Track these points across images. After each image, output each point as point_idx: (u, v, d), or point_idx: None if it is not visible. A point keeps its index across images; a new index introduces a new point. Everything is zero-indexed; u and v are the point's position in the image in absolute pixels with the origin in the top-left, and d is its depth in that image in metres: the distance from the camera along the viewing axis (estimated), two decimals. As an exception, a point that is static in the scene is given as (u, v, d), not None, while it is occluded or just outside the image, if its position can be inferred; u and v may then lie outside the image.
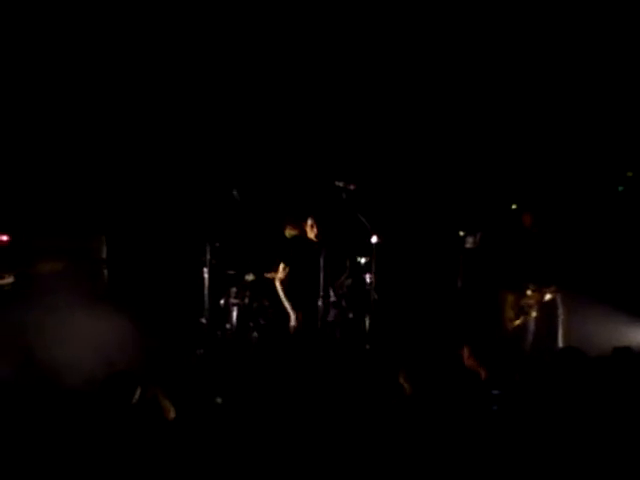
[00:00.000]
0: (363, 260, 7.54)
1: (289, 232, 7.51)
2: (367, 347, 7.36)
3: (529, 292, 6.93)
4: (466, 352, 5.06)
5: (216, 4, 7.80)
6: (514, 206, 7.63)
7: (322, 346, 7.24)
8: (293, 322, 7.17)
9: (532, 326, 7.00)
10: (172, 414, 4.24)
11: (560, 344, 6.81)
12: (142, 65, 8.00)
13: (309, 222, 7.32)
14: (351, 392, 5.74)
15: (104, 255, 7.86)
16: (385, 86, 8.26)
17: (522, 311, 6.95)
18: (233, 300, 7.39)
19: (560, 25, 7.70)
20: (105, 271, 7.88)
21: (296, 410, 5.30)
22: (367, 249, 7.49)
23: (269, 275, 7.42)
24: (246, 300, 7.42)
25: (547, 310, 6.96)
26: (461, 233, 7.65)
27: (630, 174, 7.81)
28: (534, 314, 6.95)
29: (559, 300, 6.96)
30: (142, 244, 8.16)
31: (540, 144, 8.18)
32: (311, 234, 7.32)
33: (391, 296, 7.91)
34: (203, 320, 7.36)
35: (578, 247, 7.27)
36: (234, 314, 7.38)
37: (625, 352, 4.86)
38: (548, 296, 6.90)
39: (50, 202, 7.85)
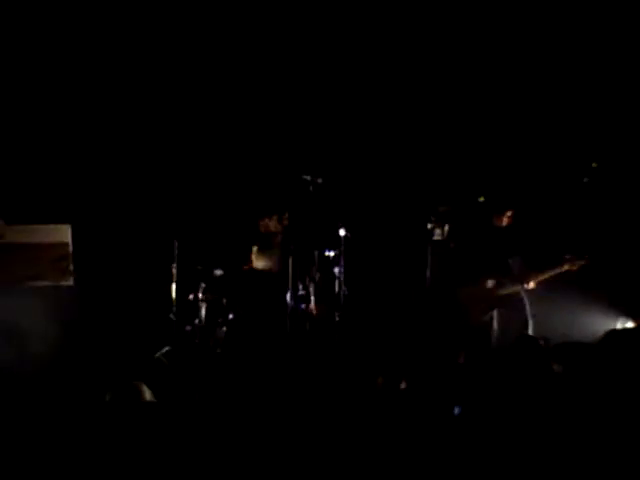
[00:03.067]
0: (332, 253, 7.55)
1: (265, 227, 7.54)
2: (336, 340, 7.41)
3: (503, 284, 7.01)
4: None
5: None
6: (481, 198, 7.68)
7: (292, 340, 7.26)
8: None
9: (497, 319, 7.07)
10: (148, 396, 4.19)
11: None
12: (118, 60, 7.94)
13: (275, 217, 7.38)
14: (322, 385, 5.76)
15: (70, 249, 7.77)
16: (350, 79, 8.25)
17: (494, 304, 7.02)
18: (202, 295, 7.35)
19: (531, 23, 7.77)
20: (71, 266, 7.78)
21: (266, 404, 5.31)
22: (335, 242, 7.51)
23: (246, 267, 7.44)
24: (215, 295, 7.39)
25: (513, 303, 7.04)
26: (429, 225, 7.68)
27: (595, 165, 7.88)
28: (501, 307, 7.04)
29: (524, 293, 7.04)
30: (110, 239, 8.07)
31: (505, 136, 8.23)
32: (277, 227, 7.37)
33: (360, 288, 7.94)
34: (172, 316, 7.34)
35: (545, 239, 7.36)
36: (203, 310, 7.35)
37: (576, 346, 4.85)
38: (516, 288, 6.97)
39: (16, 191, 7.73)
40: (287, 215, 7.43)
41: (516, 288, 7.00)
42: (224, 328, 7.29)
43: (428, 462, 3.81)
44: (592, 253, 6.92)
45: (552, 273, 6.94)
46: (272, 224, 7.47)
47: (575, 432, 3.89)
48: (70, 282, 7.60)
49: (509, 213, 7.18)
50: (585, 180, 7.76)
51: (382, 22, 8.02)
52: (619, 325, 6.93)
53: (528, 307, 7.03)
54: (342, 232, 7.46)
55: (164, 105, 8.20)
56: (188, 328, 7.36)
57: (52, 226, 7.61)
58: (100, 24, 7.81)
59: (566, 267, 6.88)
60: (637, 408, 4.02)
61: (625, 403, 4.05)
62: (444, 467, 3.79)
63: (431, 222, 7.69)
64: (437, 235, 7.70)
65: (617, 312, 7.14)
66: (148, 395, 4.20)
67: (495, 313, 7.08)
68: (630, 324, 6.98)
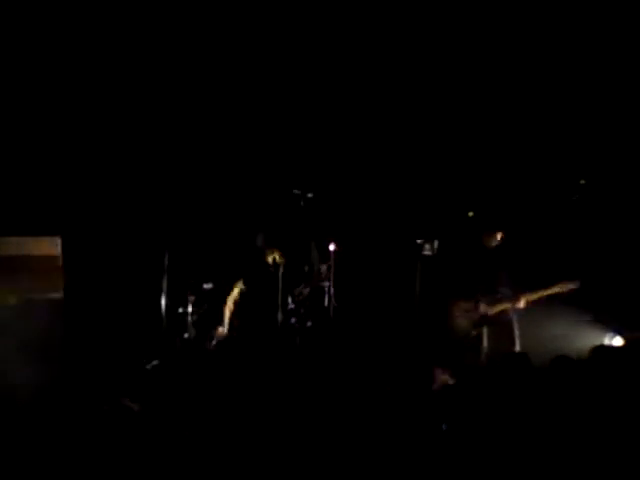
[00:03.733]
0: (322, 267, 7.58)
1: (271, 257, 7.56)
2: (327, 352, 7.42)
3: (491, 302, 7.03)
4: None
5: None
6: (471, 213, 7.72)
7: (282, 353, 7.27)
8: (222, 331, 7.22)
9: (486, 337, 7.09)
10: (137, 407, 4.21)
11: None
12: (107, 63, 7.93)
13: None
14: (311, 398, 5.77)
15: (60, 262, 7.76)
16: (339, 93, 8.29)
17: (482, 321, 7.04)
18: (191, 309, 7.36)
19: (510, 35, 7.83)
20: (61, 278, 7.77)
21: (255, 416, 5.32)
22: (325, 256, 7.55)
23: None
24: (205, 308, 7.40)
25: (501, 321, 7.06)
26: (418, 241, 7.71)
27: (583, 182, 7.94)
28: (489, 325, 7.05)
29: (512, 312, 7.06)
30: (101, 251, 8.06)
31: (494, 153, 8.28)
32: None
33: (350, 303, 7.96)
34: (161, 328, 7.34)
35: (534, 256, 7.39)
36: (192, 323, 7.35)
37: (563, 361, 4.89)
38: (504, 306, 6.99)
39: (6, 203, 7.71)
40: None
41: (506, 306, 7.02)
42: (214, 341, 7.30)
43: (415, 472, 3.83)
44: (582, 275, 6.96)
45: (543, 294, 6.98)
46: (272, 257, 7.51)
47: (564, 445, 3.92)
48: (60, 294, 7.59)
49: (499, 235, 7.21)
50: (574, 198, 7.82)
51: (368, 43, 8.08)
52: (606, 341, 6.97)
53: (516, 324, 7.05)
54: (332, 246, 7.50)
55: (155, 118, 8.21)
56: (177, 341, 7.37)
57: (42, 238, 7.60)
58: (87, 25, 7.77)
59: (557, 289, 6.92)
60: (624, 421, 4.06)
61: (613, 417, 4.09)
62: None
63: (421, 238, 7.72)
64: (427, 250, 7.73)
65: (604, 328, 7.18)
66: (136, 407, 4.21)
67: (485, 330, 7.10)
68: (618, 340, 7.03)
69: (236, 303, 7.31)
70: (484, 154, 8.30)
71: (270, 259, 7.39)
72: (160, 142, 8.25)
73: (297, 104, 8.34)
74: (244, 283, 7.33)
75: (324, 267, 7.65)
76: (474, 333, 7.08)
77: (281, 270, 7.27)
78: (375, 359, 6.99)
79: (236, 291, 7.34)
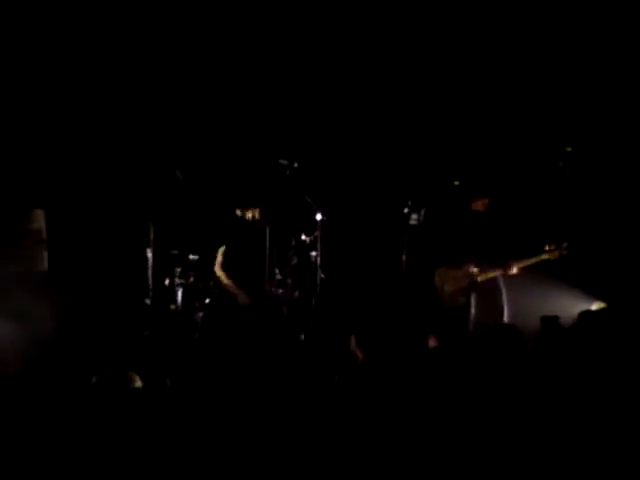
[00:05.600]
0: (308, 238, 7.55)
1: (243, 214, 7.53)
2: (313, 325, 7.42)
3: (479, 269, 7.02)
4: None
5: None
6: (456, 182, 7.71)
7: (269, 324, 7.26)
8: (243, 300, 7.19)
9: (474, 304, 7.10)
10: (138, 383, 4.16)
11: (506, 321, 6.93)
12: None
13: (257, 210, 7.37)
14: (298, 370, 5.77)
15: (44, 234, 7.69)
16: (325, 65, 8.23)
17: (468, 288, 7.04)
18: (178, 280, 7.31)
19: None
20: (45, 251, 7.71)
21: (244, 389, 5.30)
22: (312, 227, 7.51)
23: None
24: (191, 280, 7.35)
25: (489, 288, 7.06)
26: (405, 210, 7.69)
27: (569, 149, 7.93)
28: (476, 292, 7.06)
29: (500, 278, 7.07)
30: (85, 224, 7.99)
31: (479, 120, 8.25)
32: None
33: (337, 273, 7.95)
34: (147, 301, 7.30)
35: (523, 223, 7.39)
36: (179, 294, 7.31)
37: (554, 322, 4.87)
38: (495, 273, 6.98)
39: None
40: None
41: (494, 273, 7.02)
42: (201, 313, 7.27)
43: (400, 445, 3.82)
44: (570, 242, 6.97)
45: (532, 261, 6.99)
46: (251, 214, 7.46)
47: (555, 418, 3.92)
48: (44, 268, 7.54)
49: (486, 200, 7.20)
50: (560, 164, 7.81)
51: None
52: (594, 308, 6.99)
53: (505, 293, 7.06)
54: (319, 217, 7.46)
55: (139, 89, 8.12)
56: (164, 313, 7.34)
57: (26, 212, 7.54)
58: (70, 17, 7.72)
59: (545, 256, 6.94)
60: (614, 388, 4.06)
61: (602, 385, 4.09)
62: (416, 453, 3.80)
63: (408, 207, 7.70)
64: (413, 220, 7.70)
65: (592, 297, 7.20)
66: (138, 383, 4.17)
67: (473, 298, 7.10)
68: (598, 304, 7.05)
69: (223, 267, 7.29)
70: (471, 122, 8.26)
71: (249, 215, 7.38)
72: (143, 115, 8.16)
73: (283, 75, 8.28)
74: (226, 245, 7.32)
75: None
76: (462, 300, 7.09)
77: (267, 233, 7.25)
78: (361, 328, 6.97)
79: (220, 257, 7.32)
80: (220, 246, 7.40)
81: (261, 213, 7.39)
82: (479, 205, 7.24)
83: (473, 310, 7.07)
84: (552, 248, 6.86)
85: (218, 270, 7.34)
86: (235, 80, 8.24)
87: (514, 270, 6.95)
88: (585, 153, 7.76)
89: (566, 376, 4.23)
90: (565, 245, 6.85)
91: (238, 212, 7.41)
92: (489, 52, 8.09)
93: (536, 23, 7.87)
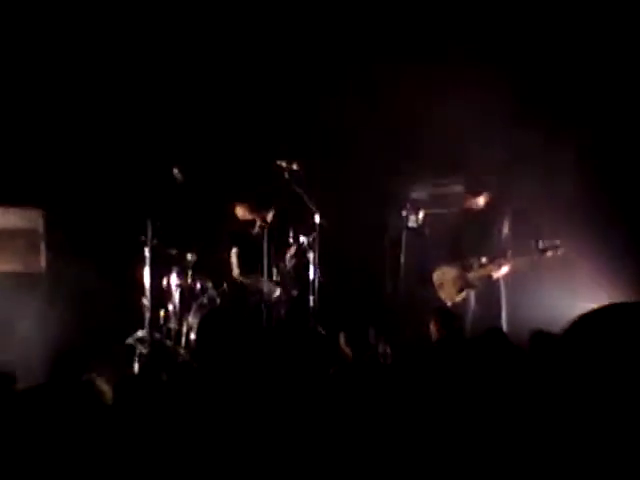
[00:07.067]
0: (307, 239, 7.54)
1: (242, 214, 7.52)
2: (311, 325, 7.41)
3: (476, 266, 6.99)
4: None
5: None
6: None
7: (267, 325, 7.25)
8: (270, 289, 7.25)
9: (473, 303, 7.07)
10: (109, 397, 4.15)
11: (504, 322, 6.90)
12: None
13: (270, 213, 7.36)
14: (295, 368, 5.75)
15: (42, 235, 7.68)
16: (324, 65, 8.23)
17: (467, 285, 7.01)
18: (175, 280, 7.30)
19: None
20: (43, 252, 7.70)
21: (240, 388, 5.29)
22: (311, 228, 7.49)
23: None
24: (188, 280, 7.34)
25: (488, 287, 7.03)
26: (404, 212, 7.68)
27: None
28: (474, 289, 7.03)
29: (501, 280, 7.03)
30: (83, 222, 7.97)
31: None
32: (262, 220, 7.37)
33: (334, 274, 7.92)
34: (144, 301, 7.27)
35: (523, 220, 7.34)
36: (176, 294, 7.29)
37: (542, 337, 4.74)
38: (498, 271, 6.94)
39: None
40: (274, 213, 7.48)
41: (492, 270, 6.97)
42: (199, 313, 7.25)
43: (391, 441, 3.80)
44: (565, 241, 6.92)
45: (527, 260, 6.94)
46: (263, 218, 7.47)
47: (551, 420, 3.89)
48: (42, 268, 7.53)
49: (485, 197, 7.17)
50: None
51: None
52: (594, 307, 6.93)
53: (503, 290, 7.03)
54: (317, 218, 7.45)
55: (136, 89, 8.11)
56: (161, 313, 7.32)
57: (24, 211, 7.53)
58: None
59: (544, 254, 6.87)
60: (609, 393, 4.03)
61: (600, 387, 4.06)
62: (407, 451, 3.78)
63: (406, 209, 7.69)
64: (412, 222, 7.70)
65: (592, 297, 7.14)
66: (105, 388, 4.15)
67: (472, 295, 7.08)
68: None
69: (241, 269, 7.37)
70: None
71: (240, 213, 7.39)
72: (141, 113, 8.15)
73: (279, 75, 8.27)
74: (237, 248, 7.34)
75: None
76: (460, 298, 7.06)
77: (265, 233, 7.25)
78: (359, 330, 6.96)
79: (234, 259, 7.34)
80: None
81: (255, 209, 7.41)
82: (475, 202, 7.20)
83: (472, 308, 7.05)
84: (547, 247, 6.79)
85: (236, 274, 7.36)
86: (235, 80, 8.24)
87: (509, 269, 6.92)
88: (585, 153, 7.71)
89: (560, 380, 4.20)
90: (559, 243, 6.79)
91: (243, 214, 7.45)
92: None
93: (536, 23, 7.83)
